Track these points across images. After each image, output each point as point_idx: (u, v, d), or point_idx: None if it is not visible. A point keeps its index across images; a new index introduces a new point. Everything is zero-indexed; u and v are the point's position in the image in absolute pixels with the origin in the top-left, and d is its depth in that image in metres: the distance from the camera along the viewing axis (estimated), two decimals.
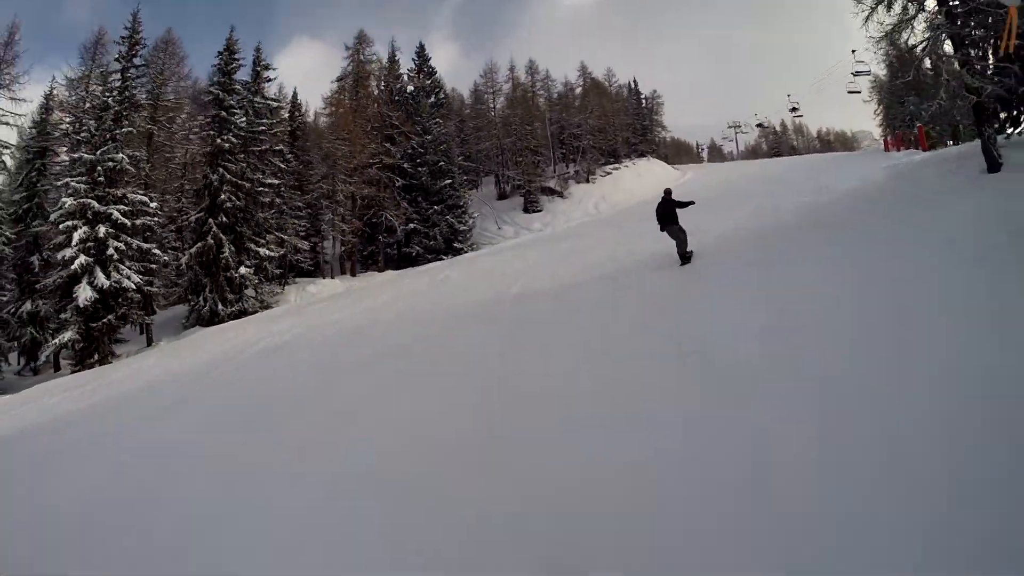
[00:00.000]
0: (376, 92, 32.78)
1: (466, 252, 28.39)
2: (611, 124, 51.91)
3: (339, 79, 32.07)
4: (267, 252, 20.67)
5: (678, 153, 71.92)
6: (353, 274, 25.54)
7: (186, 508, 4.93)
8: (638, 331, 6.89)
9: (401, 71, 35.66)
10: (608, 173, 45.38)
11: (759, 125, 63.04)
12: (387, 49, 35.77)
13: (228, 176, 20.02)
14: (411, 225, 28.61)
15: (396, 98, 33.20)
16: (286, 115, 26.76)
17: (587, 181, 43.09)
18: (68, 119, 21.45)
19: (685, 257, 9.84)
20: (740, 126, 65.51)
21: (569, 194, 40.31)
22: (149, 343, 18.69)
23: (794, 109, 52.42)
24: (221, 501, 4.90)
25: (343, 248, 26.95)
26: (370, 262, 27.43)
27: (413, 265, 26.58)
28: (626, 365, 5.86)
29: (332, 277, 24.94)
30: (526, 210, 38.23)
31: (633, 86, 61.16)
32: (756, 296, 6.72)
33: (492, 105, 48.33)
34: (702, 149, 79.94)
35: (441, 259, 26.88)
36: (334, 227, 25.93)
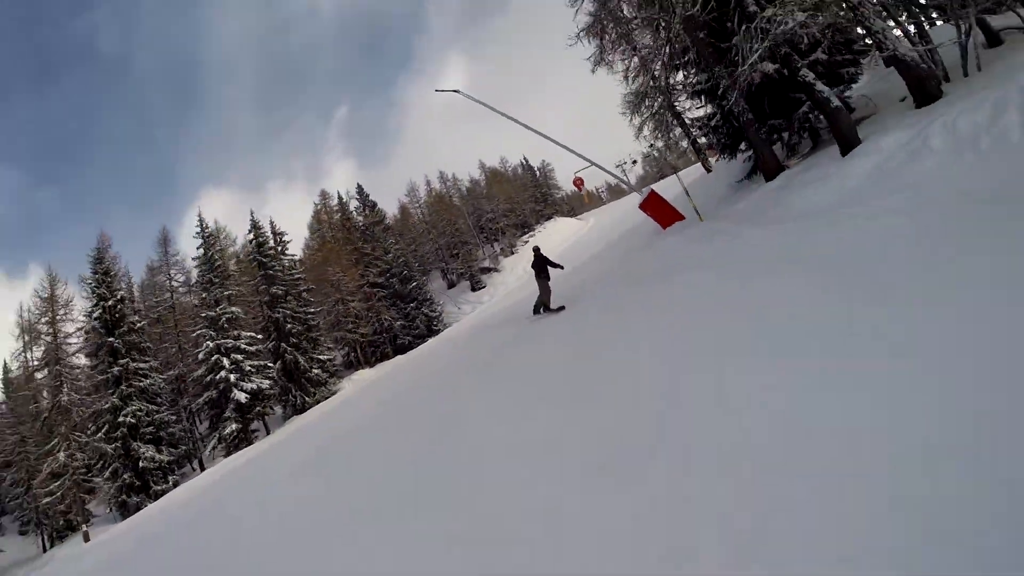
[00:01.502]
0: (340, 233, 43.25)
1: (441, 332, 38.26)
2: (516, 201, 64.63)
3: (314, 229, 42.62)
4: (324, 357, 30.05)
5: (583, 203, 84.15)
6: (371, 365, 34.86)
7: None
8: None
9: (350, 209, 46.58)
10: (525, 242, 57.09)
11: (645, 156, 76.30)
12: (322, 195, 47.27)
13: (287, 312, 29.55)
14: (398, 323, 38.54)
15: (356, 234, 43.76)
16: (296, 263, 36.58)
17: (512, 253, 54.52)
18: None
19: (542, 307, 11.13)
20: (626, 162, 78.67)
21: (502, 267, 51.47)
22: (267, 432, 27.14)
23: (635, 162, 65.62)
24: None
25: (359, 350, 36.35)
26: (378, 355, 36.84)
27: (407, 351, 36.08)
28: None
29: (359, 370, 34.18)
30: (472, 289, 48.92)
31: (526, 163, 74.35)
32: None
33: (420, 216, 59.53)
34: (602, 192, 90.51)
35: (426, 341, 36.57)
36: (346, 335, 35.50)
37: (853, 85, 11.51)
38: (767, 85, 10.73)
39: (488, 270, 51.46)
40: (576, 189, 17.80)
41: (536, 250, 11.86)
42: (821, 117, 10.54)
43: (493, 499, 3.87)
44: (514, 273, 48.85)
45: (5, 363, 31.52)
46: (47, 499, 23.64)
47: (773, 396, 3.34)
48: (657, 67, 16.00)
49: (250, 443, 25.19)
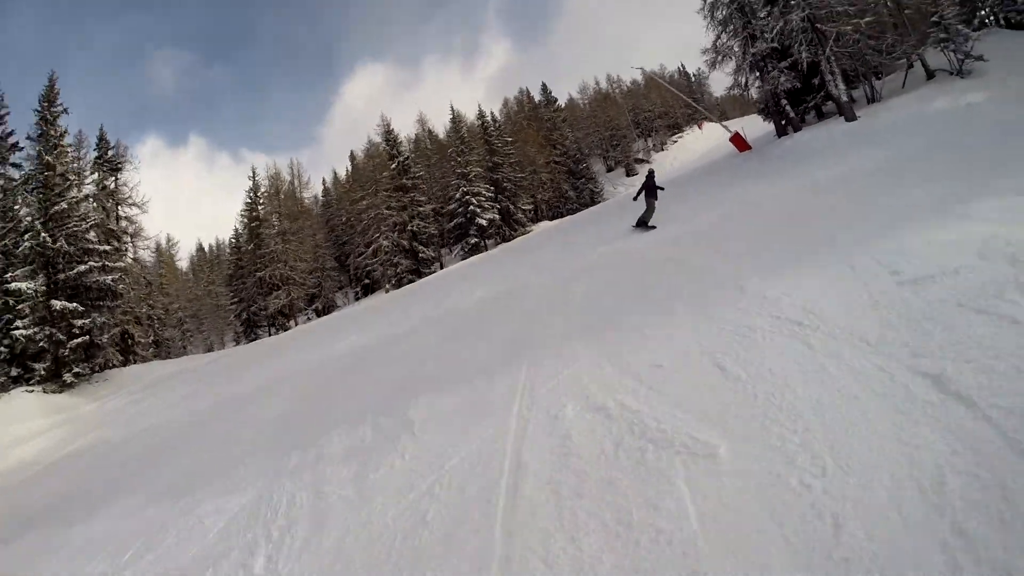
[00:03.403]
0: (533, 123, 56.35)
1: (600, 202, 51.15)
2: (670, 105, 73.15)
3: (508, 116, 56.12)
4: (525, 207, 44.94)
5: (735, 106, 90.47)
6: (550, 219, 49.02)
7: None
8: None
9: (539, 102, 59.36)
10: (675, 141, 66.87)
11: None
12: (521, 92, 60.16)
13: (504, 175, 44.21)
14: (570, 193, 52.05)
15: (546, 123, 56.64)
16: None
17: (662, 149, 64.93)
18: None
19: (642, 223, 12.39)
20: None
21: (652, 160, 62.34)
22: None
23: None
24: None
25: (543, 208, 50.54)
26: (554, 214, 50.85)
27: (575, 214, 49.58)
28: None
29: (541, 221, 48.53)
30: (627, 175, 60.74)
31: (683, 69, 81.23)
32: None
33: (587, 111, 70.64)
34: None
35: (589, 208, 49.74)
36: (536, 195, 49.67)
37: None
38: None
39: (641, 160, 62.70)
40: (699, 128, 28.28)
41: (651, 173, 13.38)
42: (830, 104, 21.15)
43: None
44: (662, 167, 59.62)
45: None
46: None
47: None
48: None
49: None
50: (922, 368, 3.35)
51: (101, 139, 28.97)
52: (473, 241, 40.70)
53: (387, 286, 38.19)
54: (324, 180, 57.82)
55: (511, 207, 43.54)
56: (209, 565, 4.11)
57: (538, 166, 49.90)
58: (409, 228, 39.87)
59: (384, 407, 5.93)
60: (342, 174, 55.34)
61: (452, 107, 46.59)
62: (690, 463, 3.22)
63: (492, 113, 49.24)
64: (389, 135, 42.99)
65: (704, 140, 63.08)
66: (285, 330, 33.68)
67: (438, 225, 42.87)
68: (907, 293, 4.32)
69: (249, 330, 38.79)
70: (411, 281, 36.56)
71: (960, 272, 4.31)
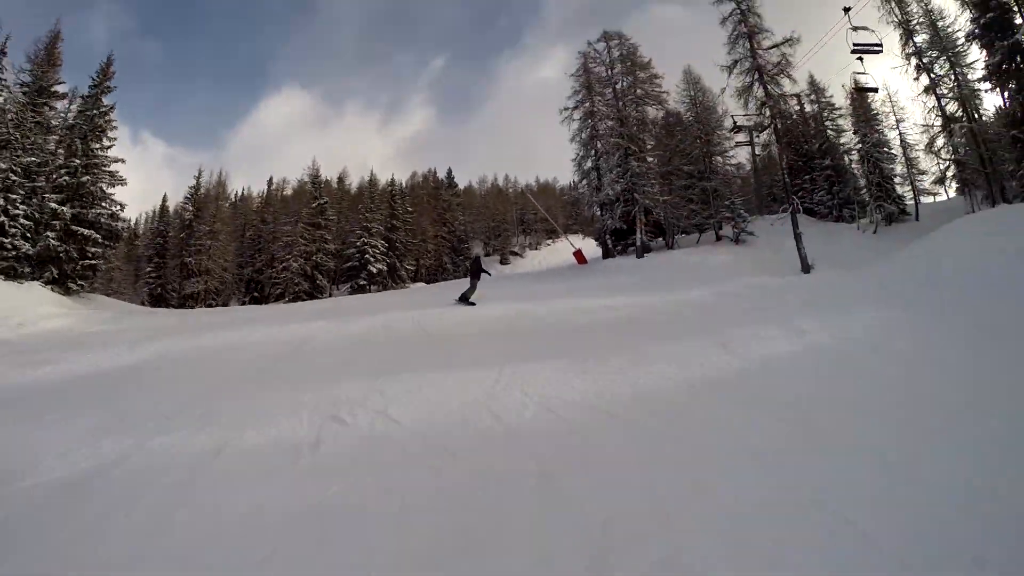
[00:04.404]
0: (431, 200, 64.02)
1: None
2: (554, 214, 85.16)
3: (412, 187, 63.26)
4: (408, 267, 51.05)
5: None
6: (427, 282, 55.46)
7: None
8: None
9: (442, 180, 67.37)
10: (549, 244, 77.68)
11: None
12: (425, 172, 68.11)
13: (398, 236, 50.50)
14: (449, 264, 59.30)
15: (443, 202, 64.47)
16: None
17: (537, 248, 75.16)
18: None
19: (464, 299, 13.74)
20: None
21: (525, 255, 72.06)
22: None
23: None
24: None
25: (423, 271, 56.97)
26: (430, 278, 57.43)
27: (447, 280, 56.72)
28: None
29: (418, 282, 54.77)
30: (501, 263, 69.55)
31: (574, 184, 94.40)
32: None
33: (480, 195, 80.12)
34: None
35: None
36: (419, 259, 56.16)
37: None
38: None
39: (515, 254, 72.17)
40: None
41: (476, 258, 14.52)
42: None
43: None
44: (532, 263, 69.28)
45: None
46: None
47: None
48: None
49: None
50: None
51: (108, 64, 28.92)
52: (362, 283, 46.13)
53: (285, 300, 42.17)
54: (234, 193, 60.71)
55: (397, 264, 49.72)
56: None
57: (428, 237, 56.99)
58: (314, 258, 44.65)
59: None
60: (254, 190, 59.44)
61: (372, 171, 53.49)
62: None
63: (401, 183, 56.44)
64: (315, 179, 48.68)
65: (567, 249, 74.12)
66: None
67: (336, 261, 47.86)
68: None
69: (156, 302, 42.08)
70: (304, 300, 41.23)
71: None
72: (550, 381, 7.08)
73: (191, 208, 44.55)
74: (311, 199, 47.33)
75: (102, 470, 5.16)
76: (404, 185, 58.66)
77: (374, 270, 46.41)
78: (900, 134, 27.04)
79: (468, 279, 14.58)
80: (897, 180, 26.59)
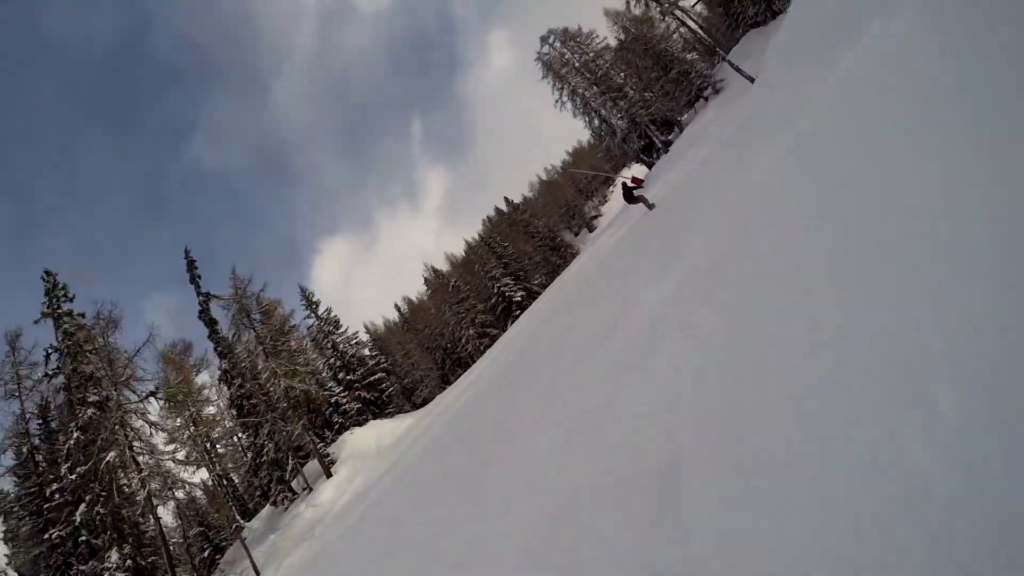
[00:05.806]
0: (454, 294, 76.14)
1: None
2: (596, 166, 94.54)
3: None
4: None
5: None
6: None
7: None
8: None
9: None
10: (611, 191, 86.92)
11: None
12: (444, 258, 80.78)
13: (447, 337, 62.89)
14: (558, 262, 70.59)
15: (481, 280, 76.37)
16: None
17: (606, 200, 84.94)
18: None
19: (649, 206, 15.67)
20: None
21: (603, 211, 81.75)
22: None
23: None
24: None
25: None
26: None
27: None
28: None
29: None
30: (590, 231, 79.87)
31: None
32: None
33: (537, 198, 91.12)
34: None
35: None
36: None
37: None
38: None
39: (596, 216, 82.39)
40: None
41: (623, 184, 16.05)
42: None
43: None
44: (612, 212, 78.84)
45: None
46: None
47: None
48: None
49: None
50: None
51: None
52: (517, 313, 58.75)
53: (478, 356, 55.66)
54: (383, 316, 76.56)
55: (528, 285, 61.85)
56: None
57: (530, 252, 68.75)
58: (477, 320, 58.17)
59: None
60: (390, 316, 75.01)
61: (465, 241, 66.34)
62: None
63: (480, 235, 69.60)
64: (435, 271, 63.68)
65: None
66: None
67: (485, 314, 61.08)
68: None
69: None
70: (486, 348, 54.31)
71: None
72: None
73: (374, 353, 58.83)
74: (444, 287, 61.05)
75: None
76: (482, 233, 71.09)
77: (518, 298, 58.68)
78: None
79: (634, 203, 16.96)
80: None
